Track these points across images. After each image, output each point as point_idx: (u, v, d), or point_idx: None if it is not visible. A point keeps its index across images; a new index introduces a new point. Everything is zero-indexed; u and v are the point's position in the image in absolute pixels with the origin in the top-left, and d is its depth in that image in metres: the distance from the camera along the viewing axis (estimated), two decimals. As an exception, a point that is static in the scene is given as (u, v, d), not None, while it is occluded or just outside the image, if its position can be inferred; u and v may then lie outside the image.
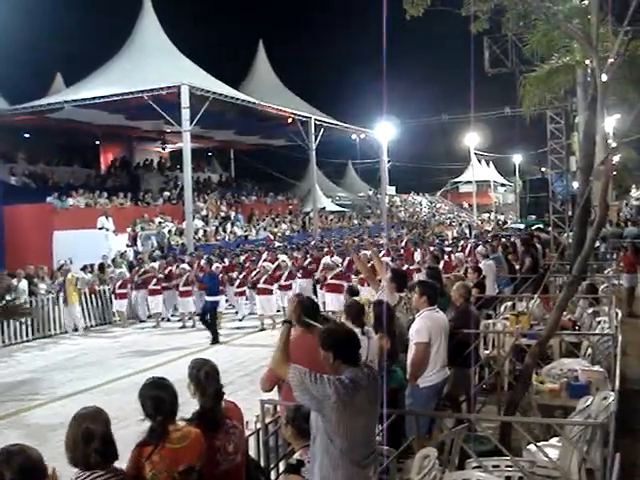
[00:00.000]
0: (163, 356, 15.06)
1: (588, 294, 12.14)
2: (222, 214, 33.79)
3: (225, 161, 47.82)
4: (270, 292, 18.66)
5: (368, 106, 40.50)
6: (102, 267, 21.55)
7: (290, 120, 33.66)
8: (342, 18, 75.92)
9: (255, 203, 39.26)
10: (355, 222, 43.86)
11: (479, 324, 9.46)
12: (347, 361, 4.29)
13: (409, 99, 46.27)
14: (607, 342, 8.77)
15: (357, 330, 5.58)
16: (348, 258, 20.76)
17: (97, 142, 38.40)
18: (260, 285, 18.71)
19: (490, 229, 42.50)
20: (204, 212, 32.24)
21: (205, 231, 29.64)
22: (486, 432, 6.16)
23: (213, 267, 18.72)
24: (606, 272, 18.14)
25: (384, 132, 42.00)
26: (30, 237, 24.98)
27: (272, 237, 31.85)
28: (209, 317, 17.01)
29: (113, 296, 20.37)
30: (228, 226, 32.13)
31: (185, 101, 25.39)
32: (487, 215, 61.88)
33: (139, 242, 26.31)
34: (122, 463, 4.08)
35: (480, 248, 18.36)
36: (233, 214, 34.43)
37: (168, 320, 20.33)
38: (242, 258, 22.42)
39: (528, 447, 6.19)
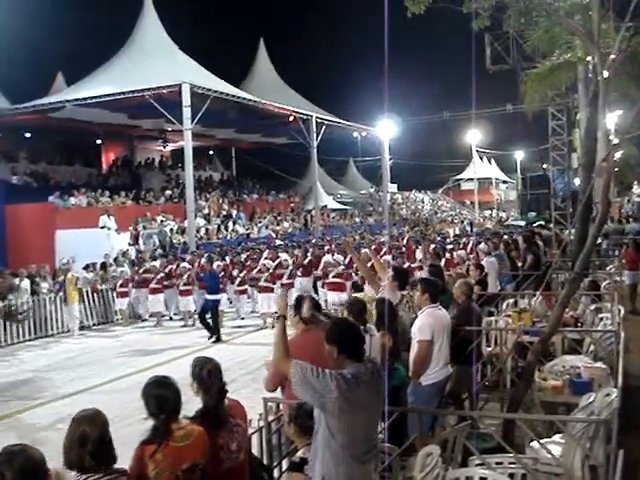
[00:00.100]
0: (165, 355, 15.05)
1: (590, 291, 12.13)
2: (224, 212, 33.81)
3: (226, 159, 47.83)
4: (272, 290, 18.64)
5: (369, 104, 40.49)
6: (104, 266, 21.55)
7: (291, 118, 33.64)
8: (343, 16, 75.87)
9: (257, 201, 39.27)
10: (357, 220, 43.84)
11: (481, 321, 9.46)
12: (351, 356, 4.29)
13: (411, 96, 46.31)
14: (609, 339, 8.76)
15: (359, 328, 5.57)
16: (349, 256, 20.75)
17: (98, 141, 38.42)
18: (261, 283, 18.71)
19: (490, 226, 42.50)
20: (206, 210, 32.26)
21: (207, 229, 29.65)
22: (489, 429, 6.16)
23: (214, 265, 18.69)
24: (608, 269, 18.12)
25: (385, 129, 41.96)
26: (32, 236, 25.01)
27: (274, 235, 31.84)
28: (210, 316, 17.00)
29: (115, 295, 20.39)
30: (230, 224, 32.14)
31: (186, 99, 25.39)
32: (489, 212, 61.88)
33: (141, 241, 26.33)
34: (125, 461, 4.09)
35: (482, 245, 18.33)
36: (235, 212, 34.45)
37: (171, 319, 20.33)
38: (243, 256, 22.40)
39: (531, 444, 6.18)
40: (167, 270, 20.22)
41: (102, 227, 25.71)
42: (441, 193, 69.06)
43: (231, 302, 20.82)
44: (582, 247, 9.44)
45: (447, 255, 19.74)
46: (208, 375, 4.58)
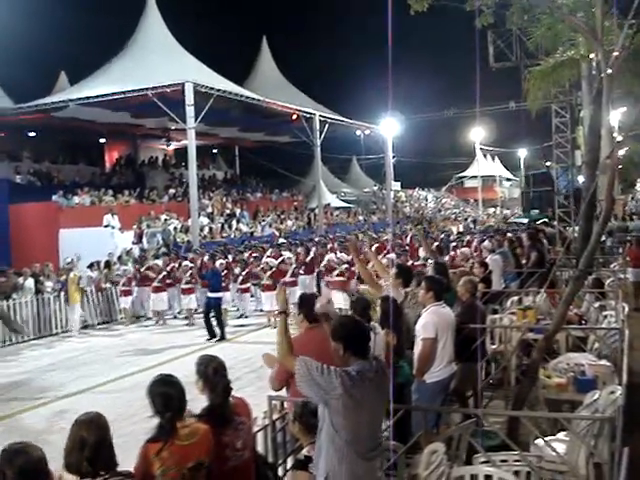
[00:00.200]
0: (168, 354, 15.08)
1: (594, 288, 12.13)
2: (227, 211, 33.81)
3: (230, 158, 47.83)
4: (275, 288, 18.62)
5: (372, 101, 40.55)
6: (108, 265, 21.58)
7: (295, 116, 33.64)
8: (346, 14, 75.86)
9: (260, 200, 39.27)
10: (360, 218, 43.82)
11: (485, 319, 9.45)
12: (357, 353, 4.30)
13: (414, 94, 46.16)
14: (614, 336, 8.75)
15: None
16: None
17: (102, 140, 38.46)
18: (265, 282, 18.71)
19: (492, 224, 42.44)
20: (209, 209, 32.26)
21: (211, 228, 29.65)
22: (493, 427, 6.16)
23: (217, 264, 18.68)
24: (612, 266, 18.09)
25: (389, 127, 41.91)
26: (36, 235, 25.06)
27: (277, 233, 31.83)
28: (215, 314, 16.98)
29: (118, 293, 20.42)
30: (234, 223, 32.14)
31: (189, 98, 25.39)
32: (493, 210, 61.80)
33: (145, 239, 26.35)
34: (130, 460, 4.10)
35: (486, 243, 18.32)
36: (238, 211, 34.44)
37: (175, 317, 20.35)
38: (246, 255, 22.40)
39: (535, 442, 6.18)
40: (169, 269, 20.22)
41: (106, 226, 25.74)
42: (444, 191, 68.91)
43: (233, 300, 20.83)
44: (586, 244, 9.43)
45: (451, 252, 19.72)
46: (214, 373, 4.59)
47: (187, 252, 23.26)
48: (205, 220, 30.04)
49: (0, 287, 18.15)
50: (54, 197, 26.78)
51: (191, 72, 27.96)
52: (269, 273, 18.77)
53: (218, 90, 27.11)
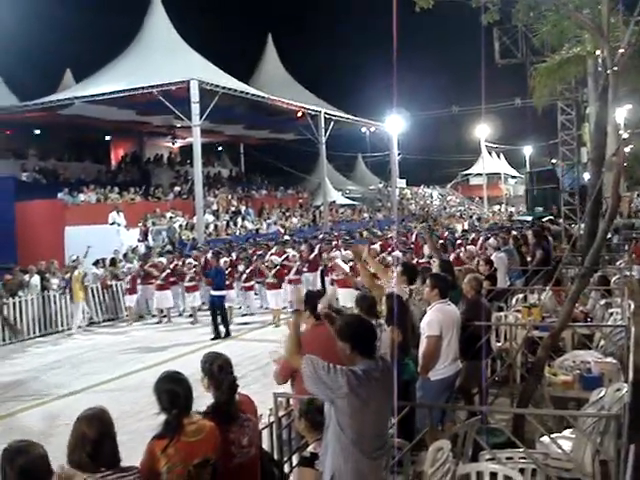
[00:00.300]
0: (173, 351, 15.09)
1: (600, 286, 12.09)
2: (232, 208, 33.84)
3: (235, 156, 47.87)
4: (279, 286, 18.63)
5: (378, 99, 40.49)
6: (114, 262, 21.60)
7: (300, 114, 33.65)
8: (351, 11, 75.74)
9: (265, 197, 39.30)
10: (365, 215, 43.80)
11: (491, 316, 9.44)
12: (364, 353, 4.31)
13: (419, 91, 46.21)
14: (620, 334, 8.73)
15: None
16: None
17: (107, 138, 38.54)
18: (269, 280, 18.69)
19: (495, 222, 42.34)
20: (215, 207, 32.29)
21: (216, 226, 29.67)
22: (499, 424, 6.16)
23: (221, 262, 18.65)
24: (618, 264, 18.04)
25: (394, 125, 41.89)
26: (42, 233, 25.10)
27: (282, 231, 31.83)
28: (219, 312, 17.00)
29: (123, 291, 20.45)
30: (239, 220, 32.17)
31: (195, 96, 25.42)
32: (498, 207, 61.71)
33: (150, 237, 26.39)
34: (136, 456, 4.11)
35: (492, 240, 18.29)
36: (243, 208, 34.48)
37: (180, 314, 20.36)
38: (249, 252, 22.37)
39: (541, 439, 6.19)
40: (172, 266, 20.22)
41: (111, 223, 25.78)
42: (450, 188, 68.85)
43: (238, 297, 20.83)
44: (592, 242, 9.42)
45: (457, 250, 19.67)
46: (219, 370, 4.59)
47: (192, 250, 23.26)
48: (210, 217, 30.07)
49: (6, 284, 18.24)
50: (60, 195, 26.84)
51: (196, 70, 27.99)
52: (274, 271, 18.75)
53: (223, 87, 27.13)
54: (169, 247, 24.64)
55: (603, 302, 11.35)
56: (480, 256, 15.41)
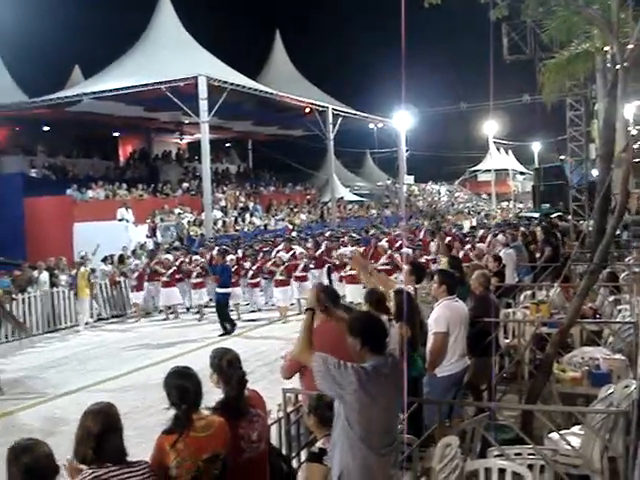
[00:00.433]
0: (182, 347, 15.13)
1: (609, 282, 12.05)
2: (241, 205, 33.89)
3: (243, 152, 47.92)
4: (287, 283, 18.62)
5: (386, 95, 40.47)
6: (122, 258, 21.66)
7: (308, 110, 33.66)
8: (359, 7, 75.59)
9: (273, 193, 39.34)
10: (373, 212, 43.78)
11: (499, 313, 9.44)
12: (374, 349, 4.31)
13: (427, 87, 46.12)
14: (628, 330, 8.71)
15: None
16: (364, 247, 20.74)
17: (116, 134, 38.64)
18: (277, 277, 18.67)
19: (500, 219, 42.21)
20: (223, 203, 32.33)
21: (224, 222, 29.72)
22: (508, 421, 6.16)
23: (227, 259, 18.63)
24: (627, 260, 17.99)
25: (402, 121, 41.82)
26: (50, 229, 25.19)
27: (290, 227, 31.85)
28: (220, 309, 17.02)
29: (130, 288, 20.46)
30: (247, 216, 32.22)
31: (203, 92, 25.44)
32: (506, 204, 61.56)
33: (158, 233, 26.45)
34: (144, 451, 4.13)
35: (500, 237, 18.25)
36: (251, 204, 34.53)
37: (188, 310, 20.38)
38: (256, 248, 22.36)
39: (550, 435, 6.18)
40: (178, 263, 20.25)
41: (120, 220, 25.86)
42: (458, 184, 68.68)
43: (244, 294, 20.83)
44: (601, 238, 9.38)
45: (467, 247, 19.62)
46: (228, 365, 4.60)
47: (200, 246, 23.28)
48: (218, 214, 30.13)
49: (15, 280, 18.31)
50: (68, 191, 26.91)
51: (204, 66, 28.04)
52: (282, 268, 18.74)
53: (231, 84, 27.15)
54: (177, 243, 24.68)
55: (612, 299, 11.32)
56: (489, 253, 15.39)
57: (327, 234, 26.52)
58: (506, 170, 71.19)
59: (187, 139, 41.11)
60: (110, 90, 26.86)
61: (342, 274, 18.95)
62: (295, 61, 45.70)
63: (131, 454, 3.93)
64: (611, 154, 14.77)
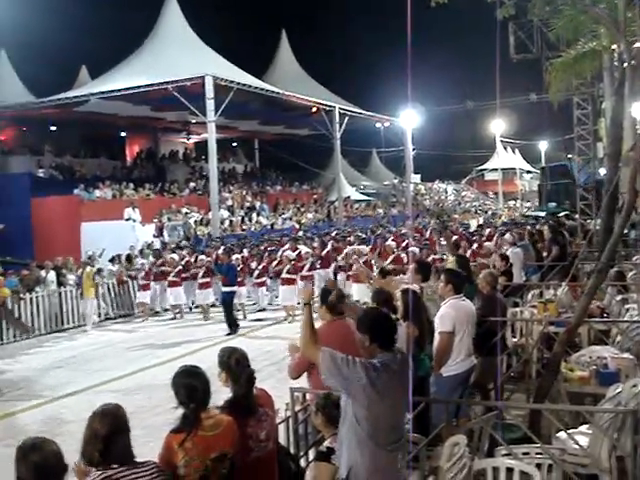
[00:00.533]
0: (189, 346, 15.14)
1: (616, 281, 12.03)
2: (247, 204, 33.92)
3: (250, 151, 47.96)
4: (294, 282, 18.60)
5: (392, 94, 40.31)
6: (129, 258, 21.69)
7: (314, 109, 33.69)
8: (365, 6, 75.60)
9: (280, 193, 39.36)
10: (380, 211, 43.75)
11: (506, 312, 9.43)
12: (383, 346, 4.31)
13: (434, 86, 45.99)
14: (636, 329, 8.69)
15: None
16: (371, 246, 20.73)
17: (123, 134, 38.73)
18: (284, 275, 18.66)
19: (512, 217, 42.13)
20: (229, 202, 32.36)
21: (231, 221, 29.76)
22: (515, 420, 6.15)
23: (233, 258, 18.61)
24: (634, 259, 17.94)
25: (408, 120, 41.77)
26: (58, 229, 25.24)
27: (297, 226, 31.85)
28: (227, 308, 17.04)
29: (137, 287, 20.47)
30: (254, 216, 32.25)
31: (209, 92, 25.49)
32: (513, 203, 61.46)
33: (165, 233, 26.48)
34: (152, 450, 4.15)
35: (507, 236, 18.23)
36: (258, 204, 34.55)
37: (190, 309, 20.38)
38: (262, 248, 22.36)
39: (558, 435, 6.17)
40: (184, 262, 20.27)
41: (127, 219, 25.90)
42: (464, 183, 68.60)
43: (248, 294, 20.81)
44: (608, 237, 9.37)
45: (474, 246, 19.60)
46: (236, 364, 4.60)
47: (207, 246, 23.30)
48: (225, 213, 30.16)
49: (23, 280, 18.37)
50: (76, 191, 26.96)
51: (211, 66, 28.06)
52: (288, 267, 18.73)
53: (238, 83, 27.19)
54: (185, 242, 24.70)
55: (619, 298, 11.29)
56: (496, 252, 15.38)
57: (333, 233, 26.52)
58: (513, 169, 71.07)
59: (194, 139, 41.19)
60: (117, 90, 26.95)
61: (349, 273, 18.93)
62: (301, 60, 45.74)
63: (138, 453, 3.93)
64: (619, 153, 14.74)
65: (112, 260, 21.11)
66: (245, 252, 21.52)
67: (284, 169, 45.32)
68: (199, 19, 34.57)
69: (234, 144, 46.79)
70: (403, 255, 18.81)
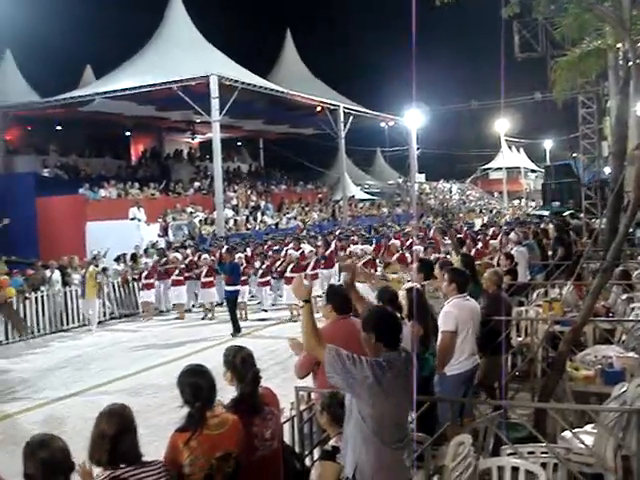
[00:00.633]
0: (194, 346, 15.17)
1: (622, 280, 12.01)
2: (252, 203, 33.94)
3: (254, 151, 47.95)
4: (298, 281, 18.51)
5: (396, 93, 40.42)
6: (134, 257, 21.72)
7: (319, 109, 33.67)
8: (370, 5, 75.61)
9: (285, 192, 39.37)
10: (384, 210, 43.74)
11: (511, 311, 9.42)
12: (388, 344, 4.30)
13: (438, 85, 45.89)
14: (642, 328, 8.70)
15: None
16: (374, 245, 20.71)
17: (127, 133, 38.74)
18: (288, 274, 18.63)
19: (517, 215, 42.07)
20: (234, 201, 32.38)
21: (235, 220, 29.77)
22: (521, 419, 6.15)
23: (236, 257, 18.60)
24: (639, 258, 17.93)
25: (413, 119, 41.78)
26: (63, 228, 25.28)
27: (302, 226, 31.86)
28: (231, 307, 17.05)
29: (139, 287, 20.45)
30: (258, 215, 32.26)
31: (214, 91, 25.49)
32: (517, 202, 61.39)
33: (170, 232, 26.50)
34: (157, 449, 4.16)
35: (512, 235, 18.22)
36: (263, 203, 34.58)
37: (189, 310, 20.35)
38: (265, 247, 22.34)
39: (563, 434, 6.17)
40: (187, 261, 20.27)
41: (132, 219, 25.92)
42: (469, 183, 68.53)
43: (254, 296, 20.81)
44: (613, 236, 9.36)
45: (479, 245, 19.60)
46: (242, 363, 4.61)
47: (211, 245, 23.31)
48: (230, 212, 30.17)
49: (29, 279, 18.41)
50: (81, 190, 26.99)
51: (216, 65, 28.06)
52: (292, 266, 18.72)
53: (242, 83, 27.18)
54: (190, 242, 24.72)
55: (625, 297, 11.27)
56: (501, 251, 15.37)
57: (337, 232, 26.53)
58: (518, 168, 70.98)
59: (198, 138, 41.18)
60: (122, 90, 26.98)
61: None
62: (306, 60, 45.72)
63: (143, 453, 3.95)
64: (624, 151, 14.72)
65: (117, 259, 21.12)
66: (248, 251, 21.52)
67: (289, 168, 45.31)
68: (204, 19, 34.61)
69: (239, 143, 46.77)
70: (407, 254, 18.81)
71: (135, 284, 20.66)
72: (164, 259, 20.41)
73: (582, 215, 24.64)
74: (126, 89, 26.85)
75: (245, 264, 19.15)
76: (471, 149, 66.84)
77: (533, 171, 77.08)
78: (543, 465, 5.16)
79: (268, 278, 19.96)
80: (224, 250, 19.43)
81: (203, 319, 19.05)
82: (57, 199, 26.30)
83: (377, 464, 4.16)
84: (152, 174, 34.63)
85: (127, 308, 20.58)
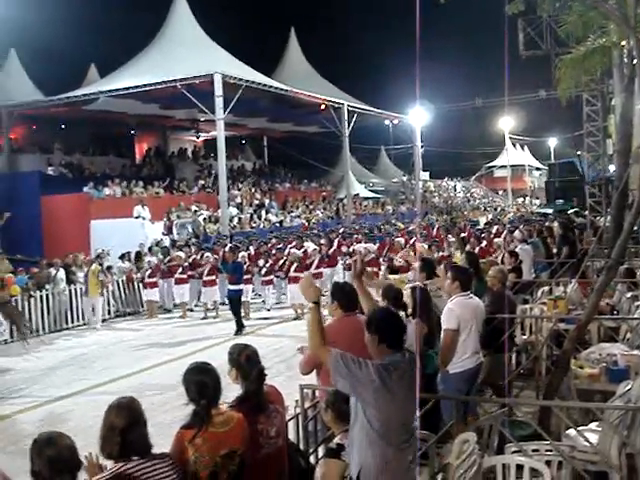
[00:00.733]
0: (198, 344, 15.19)
1: (626, 278, 12.00)
2: (256, 202, 33.95)
3: (259, 149, 47.93)
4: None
5: (401, 91, 40.30)
6: (139, 255, 21.74)
7: (323, 107, 33.65)
8: (374, 3, 75.56)
9: (289, 190, 39.36)
10: (389, 208, 43.72)
11: (516, 309, 9.42)
12: (392, 346, 4.30)
13: (442, 83, 45.93)
14: (646, 326, 8.69)
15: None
16: (378, 243, 20.69)
17: (132, 132, 38.75)
18: (291, 274, 18.63)
19: (522, 213, 42.02)
20: (238, 200, 32.39)
21: (240, 219, 29.76)
22: (525, 417, 6.15)
23: (239, 256, 18.59)
24: (644, 256, 17.91)
25: (417, 117, 41.74)
26: (67, 227, 25.30)
27: (306, 224, 31.85)
28: (234, 306, 17.06)
29: (142, 285, 20.47)
30: (262, 213, 32.27)
31: (218, 89, 25.51)
32: (522, 200, 61.32)
33: (175, 230, 26.51)
34: (163, 447, 4.17)
35: (517, 233, 18.22)
36: (267, 201, 34.58)
37: (191, 310, 20.32)
38: (269, 246, 22.33)
39: (567, 432, 6.16)
40: (190, 260, 20.29)
41: (136, 217, 25.91)
42: (473, 181, 68.46)
43: (259, 295, 20.79)
44: (618, 234, 9.34)
45: (483, 243, 19.59)
46: (247, 360, 4.62)
47: (214, 244, 23.31)
48: (234, 211, 30.18)
49: (34, 278, 18.44)
50: (85, 189, 27.01)
51: (220, 63, 28.07)
52: (296, 264, 18.71)
53: (247, 81, 27.20)
54: (194, 240, 24.73)
55: (629, 295, 11.27)
56: (505, 249, 15.37)
57: (340, 231, 26.52)
58: (522, 166, 70.97)
59: (203, 136, 41.19)
60: (126, 88, 26.99)
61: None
62: (310, 58, 45.66)
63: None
64: (628, 149, 14.70)
65: (122, 257, 21.15)
66: (252, 250, 21.51)
67: (293, 166, 45.30)
68: (208, 17, 34.61)
69: (243, 142, 46.77)
70: (411, 252, 18.79)
71: (140, 282, 20.68)
72: (168, 258, 20.41)
73: (586, 213, 24.61)
74: (130, 88, 26.86)
75: (248, 262, 19.15)
76: (475, 147, 66.84)
77: (537, 169, 77.03)
78: (547, 463, 5.16)
79: (271, 277, 19.96)
80: (227, 249, 19.42)
81: (203, 319, 19.03)
82: (62, 197, 26.33)
83: (382, 464, 4.16)
84: (156, 172, 34.63)
85: (131, 306, 20.61)
